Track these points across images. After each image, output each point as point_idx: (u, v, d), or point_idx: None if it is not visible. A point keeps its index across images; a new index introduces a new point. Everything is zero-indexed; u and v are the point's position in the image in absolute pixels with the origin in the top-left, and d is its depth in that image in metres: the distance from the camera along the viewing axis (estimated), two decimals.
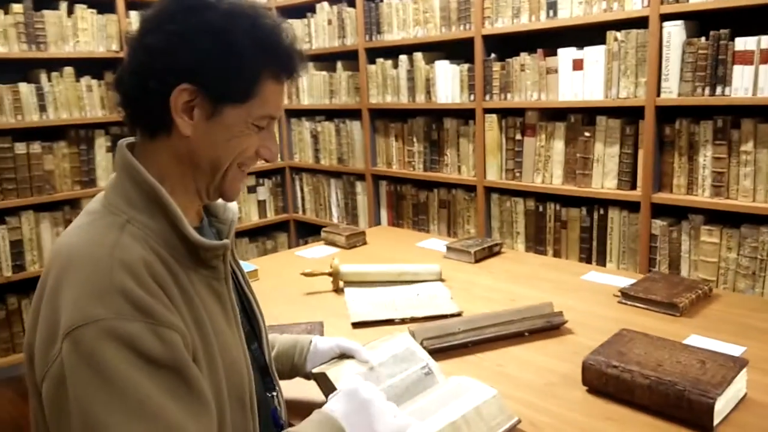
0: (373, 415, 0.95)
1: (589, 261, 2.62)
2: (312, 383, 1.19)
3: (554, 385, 1.23)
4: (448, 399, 1.10)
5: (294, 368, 1.21)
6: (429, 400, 1.11)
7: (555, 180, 2.73)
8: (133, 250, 0.84)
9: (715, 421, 1.04)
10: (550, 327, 1.46)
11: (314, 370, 1.16)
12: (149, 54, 0.88)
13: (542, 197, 2.80)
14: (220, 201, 1.06)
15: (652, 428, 1.07)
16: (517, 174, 2.86)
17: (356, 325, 1.57)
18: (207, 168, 0.94)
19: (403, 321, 1.57)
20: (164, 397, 0.79)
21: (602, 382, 1.15)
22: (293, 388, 1.18)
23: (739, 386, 1.11)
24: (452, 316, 1.57)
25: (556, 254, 2.74)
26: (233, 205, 1.09)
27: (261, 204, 4.09)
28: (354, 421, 0.93)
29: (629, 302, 1.60)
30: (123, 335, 0.78)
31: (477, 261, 2.05)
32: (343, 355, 1.19)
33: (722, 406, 1.05)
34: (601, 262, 2.60)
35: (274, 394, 1.10)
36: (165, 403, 0.79)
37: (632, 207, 2.49)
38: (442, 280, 1.87)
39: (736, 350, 1.29)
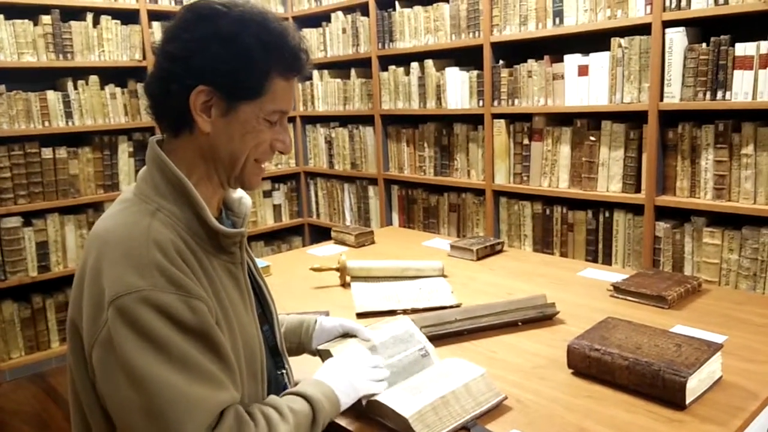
0: (352, 374, 1.12)
1: (595, 262, 2.67)
2: (317, 360, 1.27)
3: (542, 368, 1.30)
4: (440, 376, 1.17)
5: (301, 345, 1.33)
6: (422, 377, 1.19)
7: (561, 183, 2.79)
8: (164, 233, 0.95)
9: (688, 399, 1.10)
10: (542, 317, 1.53)
11: (319, 347, 1.26)
12: (170, 60, 0.99)
13: (549, 200, 2.86)
14: (235, 195, 1.18)
15: (630, 405, 1.13)
16: (525, 178, 2.92)
17: (360, 315, 1.65)
18: (226, 161, 1.04)
19: (404, 312, 1.64)
20: (200, 355, 0.91)
21: (585, 364, 1.22)
22: (303, 368, 1.26)
23: (713, 368, 1.17)
24: (451, 307, 1.65)
25: (563, 256, 2.79)
26: (247, 200, 1.20)
27: (276, 208, 4.19)
28: (339, 385, 1.09)
29: (621, 296, 1.66)
30: (160, 304, 0.89)
31: (479, 258, 2.12)
32: (346, 334, 1.29)
33: (695, 385, 1.11)
34: (607, 263, 2.65)
35: (284, 372, 1.20)
36: (202, 360, 0.91)
37: (637, 210, 2.54)
38: (444, 276, 1.94)
39: (718, 339, 1.34)
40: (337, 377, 1.10)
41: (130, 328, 0.88)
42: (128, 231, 0.95)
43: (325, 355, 1.23)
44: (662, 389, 1.11)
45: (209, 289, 0.98)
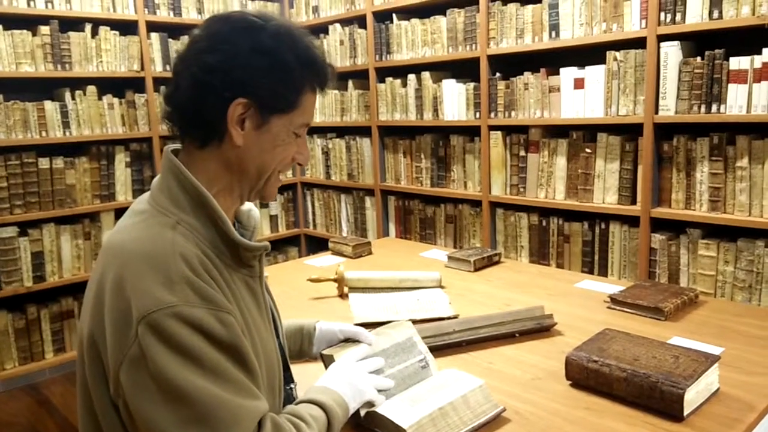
0: (357, 379, 1.13)
1: (591, 274, 2.68)
2: (317, 370, 1.26)
3: (540, 379, 1.30)
4: (438, 388, 1.18)
5: (302, 351, 1.34)
6: (420, 388, 1.19)
7: (558, 195, 2.80)
8: (188, 247, 0.94)
9: (686, 411, 1.10)
10: (540, 329, 1.53)
11: (323, 352, 1.25)
12: (208, 72, 0.97)
13: (545, 212, 2.88)
14: (244, 207, 1.16)
15: (628, 417, 1.14)
16: (521, 189, 2.94)
17: (359, 326, 1.64)
18: (254, 174, 1.04)
19: None
20: (233, 368, 0.91)
21: (583, 376, 1.22)
22: (305, 380, 1.26)
23: (710, 380, 1.17)
24: (449, 318, 1.65)
25: (559, 267, 2.80)
26: (256, 213, 1.19)
27: (273, 219, 4.20)
28: (347, 390, 1.09)
29: (618, 307, 1.67)
30: (192, 319, 0.88)
31: (476, 270, 2.13)
32: (348, 339, 1.29)
33: (693, 397, 1.12)
34: (603, 274, 2.65)
35: (293, 386, 1.20)
36: (236, 372, 0.91)
37: (632, 221, 2.55)
38: (442, 286, 1.95)
39: (715, 351, 1.35)
40: (343, 383, 1.10)
41: (164, 343, 0.87)
42: (152, 245, 0.93)
43: (328, 360, 1.22)
44: (660, 401, 1.11)
45: (233, 303, 0.97)
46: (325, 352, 1.25)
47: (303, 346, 1.34)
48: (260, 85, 0.98)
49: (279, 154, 1.04)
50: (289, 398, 1.16)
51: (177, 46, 3.63)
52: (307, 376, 1.26)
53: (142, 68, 3.51)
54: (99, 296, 0.94)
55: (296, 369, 1.26)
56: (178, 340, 0.87)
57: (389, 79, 3.49)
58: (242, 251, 1.01)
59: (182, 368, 0.86)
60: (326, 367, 1.22)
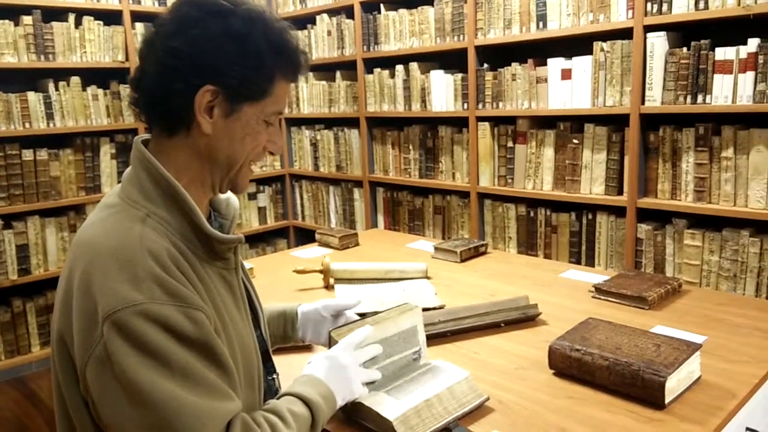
0: (351, 374, 1.09)
1: (578, 264, 2.69)
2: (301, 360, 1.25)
3: (524, 369, 1.31)
4: (425, 379, 1.18)
5: (285, 336, 1.32)
6: (408, 380, 1.19)
7: (545, 186, 2.80)
8: (157, 241, 0.90)
9: (668, 399, 1.11)
10: (525, 318, 1.54)
11: (331, 334, 1.18)
12: (175, 57, 0.92)
13: (533, 203, 2.88)
14: (222, 197, 1.12)
15: (610, 405, 1.14)
16: (509, 180, 2.94)
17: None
18: (224, 163, 1.00)
19: None
20: (202, 367, 0.88)
21: (566, 364, 1.23)
22: (290, 372, 1.25)
23: (692, 368, 1.18)
24: (434, 309, 1.65)
25: (547, 258, 2.81)
26: (235, 202, 1.16)
27: (261, 210, 4.18)
28: (338, 386, 1.06)
29: (602, 297, 1.68)
30: (159, 317, 0.85)
31: (463, 260, 2.13)
32: (352, 320, 1.28)
33: (674, 384, 1.12)
34: (590, 264, 2.66)
35: (275, 377, 1.18)
36: (205, 372, 0.88)
37: (619, 212, 2.56)
38: (428, 277, 1.95)
39: (698, 339, 1.36)
40: (335, 377, 1.06)
41: (129, 343, 0.83)
42: (119, 240, 0.89)
43: (333, 344, 1.17)
44: (642, 389, 1.12)
45: (206, 298, 0.94)
46: (333, 333, 1.18)
47: (286, 331, 1.31)
48: (230, 71, 0.94)
49: (249, 143, 1.00)
50: (271, 389, 1.14)
51: None
52: (290, 367, 1.26)
53: (127, 59, 3.47)
54: (67, 294, 0.91)
55: (279, 359, 1.25)
56: (144, 340, 0.84)
57: (377, 70, 3.47)
58: (215, 244, 0.98)
59: (147, 369, 0.83)
60: (329, 348, 1.18)
